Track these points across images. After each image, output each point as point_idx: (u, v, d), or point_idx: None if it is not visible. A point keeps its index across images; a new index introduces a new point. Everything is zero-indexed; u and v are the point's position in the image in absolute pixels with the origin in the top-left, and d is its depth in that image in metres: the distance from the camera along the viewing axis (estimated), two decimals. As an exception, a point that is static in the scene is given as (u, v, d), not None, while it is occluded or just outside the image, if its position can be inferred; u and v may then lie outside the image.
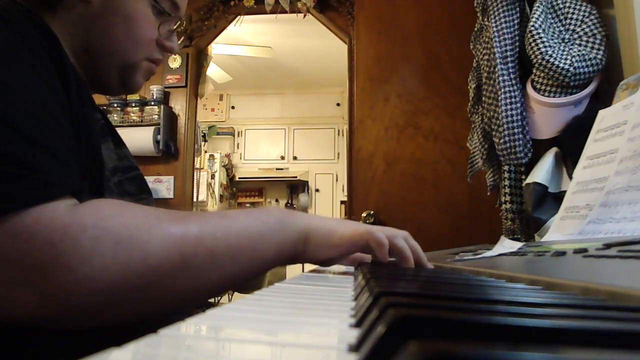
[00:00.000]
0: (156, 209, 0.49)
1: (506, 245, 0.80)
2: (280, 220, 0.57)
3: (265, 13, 3.05)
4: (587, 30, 1.26)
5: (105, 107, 3.20)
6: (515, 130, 1.34)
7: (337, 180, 5.83)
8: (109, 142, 0.69)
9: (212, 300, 3.40)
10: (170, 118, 3.27)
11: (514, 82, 1.37)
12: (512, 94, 1.36)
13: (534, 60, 1.27)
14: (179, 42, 0.77)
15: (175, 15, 0.71)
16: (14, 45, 0.50)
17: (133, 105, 3.27)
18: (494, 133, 1.43)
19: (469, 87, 1.72)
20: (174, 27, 0.73)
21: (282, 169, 6.01)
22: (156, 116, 3.20)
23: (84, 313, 0.43)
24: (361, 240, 0.62)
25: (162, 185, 3.18)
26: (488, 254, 0.77)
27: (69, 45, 0.64)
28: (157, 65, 0.73)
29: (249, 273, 0.54)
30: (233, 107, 6.09)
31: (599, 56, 1.22)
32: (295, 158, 6.01)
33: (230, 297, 4.06)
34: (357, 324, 0.25)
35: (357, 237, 0.62)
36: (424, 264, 0.66)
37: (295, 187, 6.11)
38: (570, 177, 0.98)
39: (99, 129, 0.65)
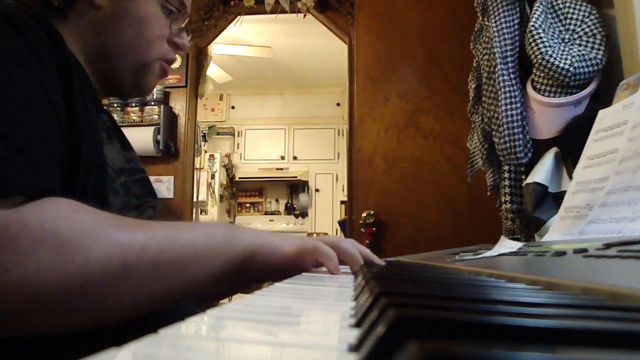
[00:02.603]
0: (105, 214, 0.47)
1: (506, 245, 0.80)
2: (227, 236, 0.56)
3: (265, 13, 3.05)
4: (587, 30, 1.26)
5: (105, 108, 3.20)
6: (515, 130, 1.34)
7: (337, 180, 5.83)
8: (115, 143, 0.68)
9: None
10: (170, 118, 3.28)
11: (514, 82, 1.37)
12: (512, 94, 1.36)
13: (534, 60, 1.27)
14: (188, 38, 0.78)
15: (184, 12, 0.72)
16: (10, 44, 0.50)
17: (133, 105, 3.27)
18: (494, 133, 1.43)
19: (469, 87, 1.72)
20: (183, 24, 0.74)
21: (282, 169, 6.02)
22: (156, 116, 3.20)
23: (15, 317, 0.41)
24: (308, 256, 0.63)
25: (162, 185, 3.18)
26: (488, 254, 0.77)
27: (82, 50, 0.65)
28: (169, 65, 0.74)
29: (192, 286, 0.53)
30: (233, 107, 6.09)
31: (599, 56, 1.22)
32: (295, 158, 6.02)
33: (229, 297, 4.06)
34: (357, 324, 0.25)
35: (304, 253, 0.63)
36: (376, 262, 0.69)
37: (295, 187, 6.12)
38: (570, 177, 0.98)
39: (105, 130, 0.65)
